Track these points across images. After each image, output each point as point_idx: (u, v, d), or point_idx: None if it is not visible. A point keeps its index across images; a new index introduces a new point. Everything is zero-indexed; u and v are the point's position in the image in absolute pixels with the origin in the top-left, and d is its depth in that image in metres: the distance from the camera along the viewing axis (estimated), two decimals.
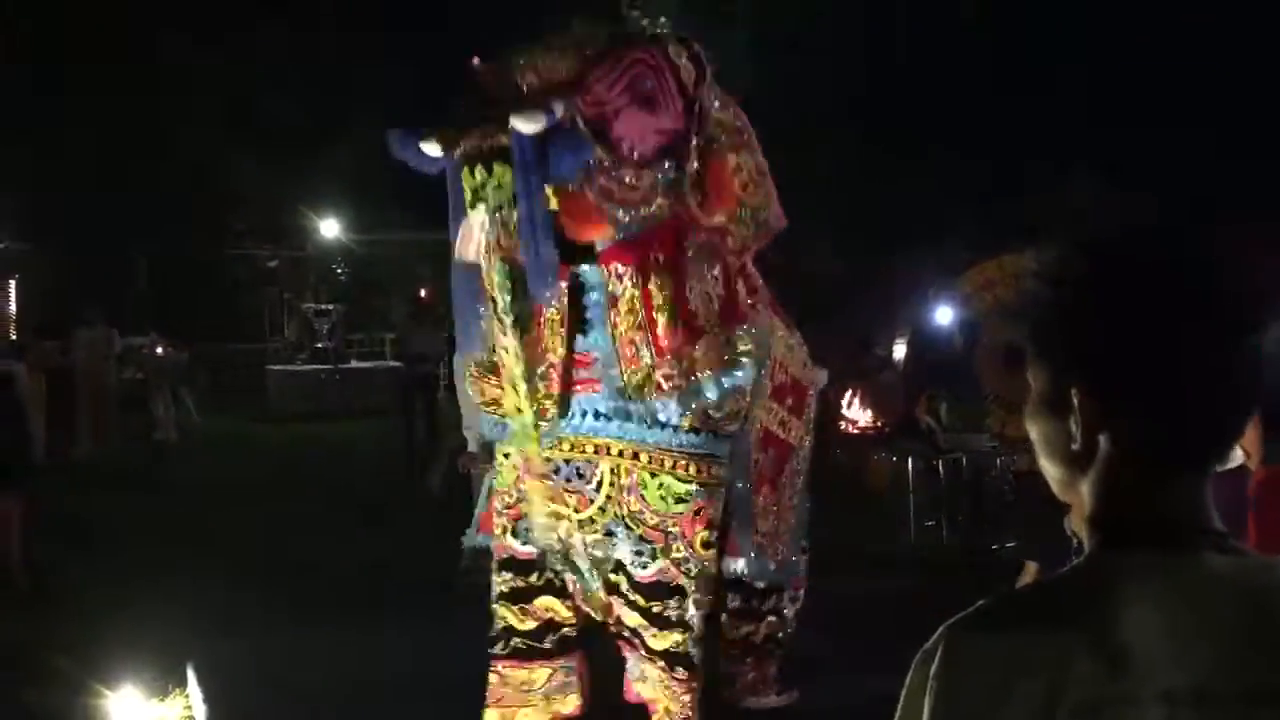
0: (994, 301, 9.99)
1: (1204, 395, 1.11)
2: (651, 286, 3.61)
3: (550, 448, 3.79)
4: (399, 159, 3.44)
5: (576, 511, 3.86)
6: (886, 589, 6.76)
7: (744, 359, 3.81)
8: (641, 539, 3.83)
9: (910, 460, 8.20)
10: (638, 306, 3.62)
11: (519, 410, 3.63)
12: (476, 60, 3.51)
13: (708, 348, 3.72)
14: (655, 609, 3.84)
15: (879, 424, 10.11)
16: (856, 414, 10.30)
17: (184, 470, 12.28)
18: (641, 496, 3.81)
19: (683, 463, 3.79)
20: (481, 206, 3.33)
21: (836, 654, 5.37)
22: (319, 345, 18.79)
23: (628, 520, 3.83)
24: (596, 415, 3.77)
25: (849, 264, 13.74)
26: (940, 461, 7.89)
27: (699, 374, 3.70)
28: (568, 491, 3.84)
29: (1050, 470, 1.22)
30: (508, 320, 3.48)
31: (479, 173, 3.31)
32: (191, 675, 2.51)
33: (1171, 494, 1.13)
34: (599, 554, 3.90)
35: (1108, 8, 13.72)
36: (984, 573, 7.11)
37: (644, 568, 3.83)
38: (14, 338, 13.14)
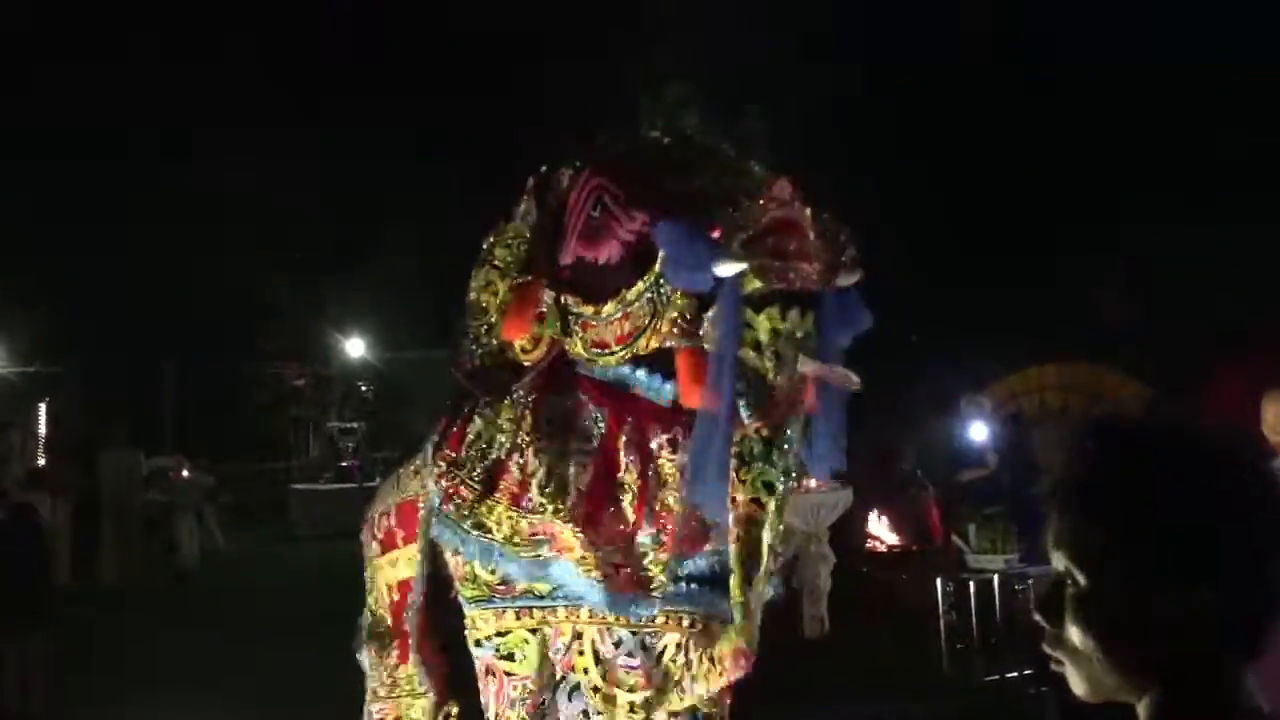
0: (1019, 414, 9.98)
1: (1271, 577, 1.12)
2: None
3: (617, 618, 3.17)
4: (666, 260, 2.78)
5: (632, 692, 3.22)
6: (920, 715, 6.60)
7: None
8: (709, 718, 3.27)
9: (940, 581, 8.05)
10: None
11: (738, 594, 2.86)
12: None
13: None
14: None
15: (908, 543, 9.98)
16: (884, 532, 10.18)
17: (206, 595, 12.23)
18: (706, 674, 3.19)
19: (723, 630, 3.19)
20: (794, 355, 2.73)
21: None
22: (343, 464, 18.82)
23: (695, 703, 3.25)
24: (674, 580, 3.16)
25: (873, 375, 13.70)
26: (972, 582, 7.74)
27: None
28: (626, 669, 3.22)
29: (1106, 671, 1.16)
30: (786, 482, 2.83)
31: (794, 317, 2.74)
32: None
33: (1235, 683, 1.12)
34: None
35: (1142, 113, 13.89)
36: (1019, 699, 6.96)
37: None
38: (41, 462, 13.20)
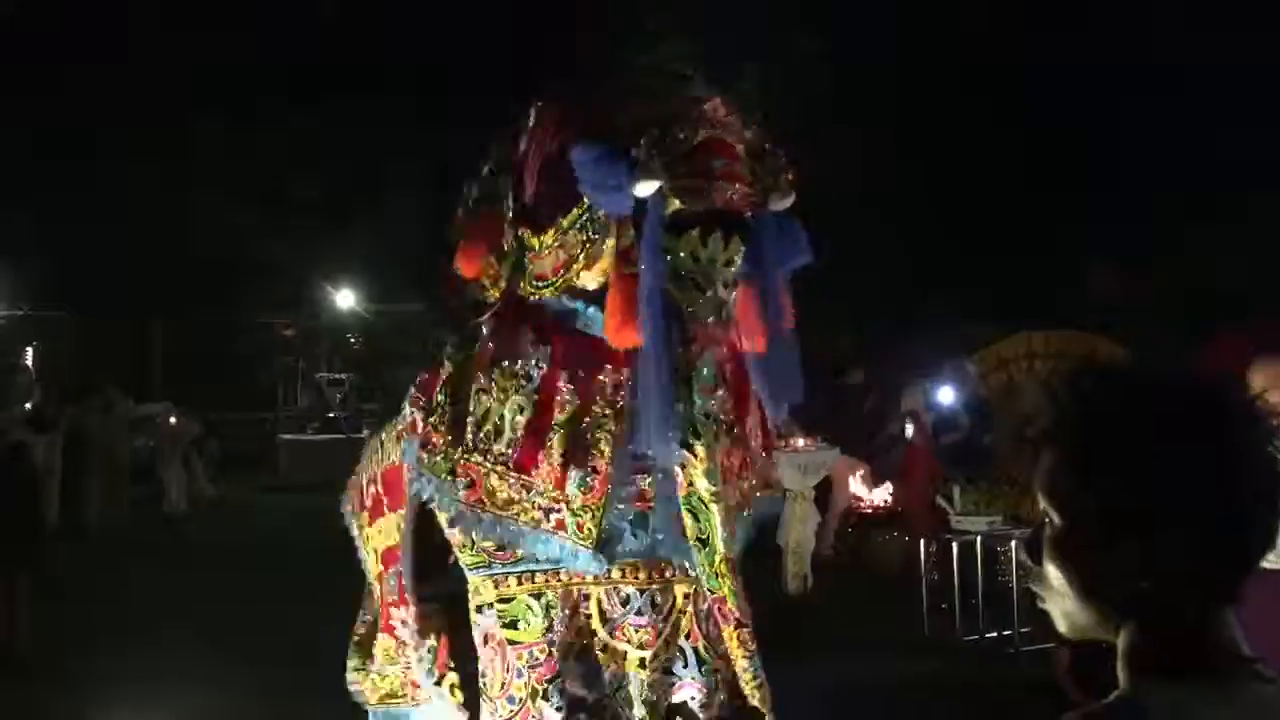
0: (1008, 381, 9.99)
1: (1256, 525, 1.12)
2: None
3: (621, 574, 3.13)
4: (584, 183, 2.71)
5: (641, 649, 3.19)
6: (899, 674, 6.65)
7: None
8: (715, 672, 3.22)
9: (923, 541, 8.10)
10: (730, 405, 2.93)
11: (701, 541, 2.79)
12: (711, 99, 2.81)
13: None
14: None
15: (890, 503, 10.03)
16: (866, 492, 10.23)
17: (192, 540, 12.25)
18: (717, 622, 3.13)
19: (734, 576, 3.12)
20: (716, 283, 2.69)
21: None
22: (331, 415, 18.82)
23: (701, 651, 3.23)
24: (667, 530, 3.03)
25: (861, 340, 13.75)
26: (954, 543, 7.79)
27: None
28: (635, 627, 3.19)
29: (1080, 609, 1.19)
30: (707, 423, 2.73)
31: (717, 242, 2.68)
32: None
33: (1213, 623, 1.13)
34: (654, 697, 3.22)
35: (1136, 98, 13.90)
36: (997, 660, 7.03)
37: (708, 707, 3.24)
38: (28, 405, 13.17)
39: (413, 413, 3.34)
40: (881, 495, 10.10)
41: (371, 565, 3.90)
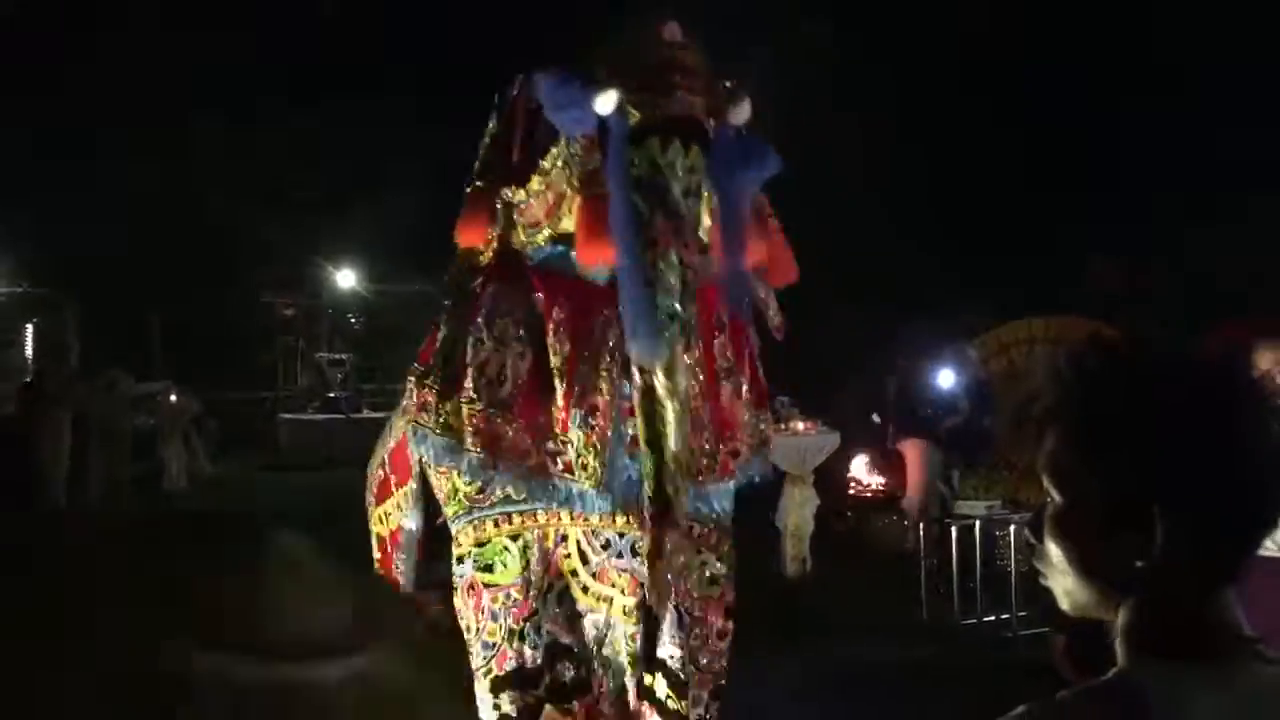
0: (1009, 365, 10.02)
1: (1259, 506, 1.12)
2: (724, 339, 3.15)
3: (600, 518, 3.11)
4: (548, 107, 2.79)
5: (623, 594, 3.15)
6: (896, 658, 6.66)
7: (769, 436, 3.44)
8: (693, 630, 3.20)
9: (922, 526, 8.11)
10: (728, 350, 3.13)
11: (656, 457, 2.77)
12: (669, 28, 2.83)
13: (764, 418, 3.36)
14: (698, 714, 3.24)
15: (889, 487, 10.05)
16: (866, 477, 10.25)
17: (191, 518, 12.15)
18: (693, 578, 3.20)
19: (724, 541, 3.26)
20: (674, 188, 2.71)
21: None
22: (331, 394, 18.80)
23: (682, 610, 3.16)
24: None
25: (861, 324, 13.75)
26: (954, 528, 7.81)
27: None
28: (618, 570, 3.16)
29: (1081, 587, 1.19)
30: (668, 323, 2.72)
31: (676, 150, 2.71)
32: None
33: (1213, 603, 1.13)
34: (639, 649, 3.16)
35: (1136, 97, 13.91)
36: (995, 644, 7.05)
37: (686, 666, 3.20)
38: (28, 381, 13.20)
39: (411, 381, 3.38)
40: (880, 479, 10.11)
41: (375, 550, 3.89)
